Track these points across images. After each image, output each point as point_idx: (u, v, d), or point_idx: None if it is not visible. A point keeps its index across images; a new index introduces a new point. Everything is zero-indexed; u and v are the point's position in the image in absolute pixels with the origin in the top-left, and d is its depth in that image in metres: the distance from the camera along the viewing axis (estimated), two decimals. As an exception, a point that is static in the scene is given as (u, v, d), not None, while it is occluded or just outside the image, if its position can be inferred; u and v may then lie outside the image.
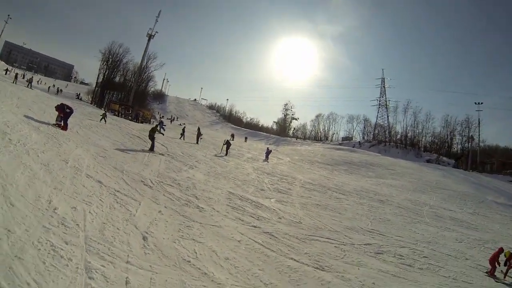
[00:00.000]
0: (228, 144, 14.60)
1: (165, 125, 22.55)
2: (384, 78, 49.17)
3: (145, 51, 38.16)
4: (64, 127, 9.28)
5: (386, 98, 48.85)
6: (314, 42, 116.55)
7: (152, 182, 6.53)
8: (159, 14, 38.50)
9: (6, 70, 31.88)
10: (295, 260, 4.12)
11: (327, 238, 5.27)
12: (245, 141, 29.04)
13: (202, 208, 5.68)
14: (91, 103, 34.51)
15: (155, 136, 10.04)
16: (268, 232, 4.95)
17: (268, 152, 16.48)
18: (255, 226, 5.18)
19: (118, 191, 5.29)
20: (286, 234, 4.96)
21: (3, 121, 6.37)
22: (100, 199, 4.64)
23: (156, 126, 10.53)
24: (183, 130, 17.85)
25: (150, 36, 37.73)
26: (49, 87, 33.62)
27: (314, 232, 5.39)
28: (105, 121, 14.67)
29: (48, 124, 8.89)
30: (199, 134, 16.98)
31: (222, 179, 8.68)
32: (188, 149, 13.19)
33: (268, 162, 14.26)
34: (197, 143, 16.08)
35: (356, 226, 6.21)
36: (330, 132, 54.65)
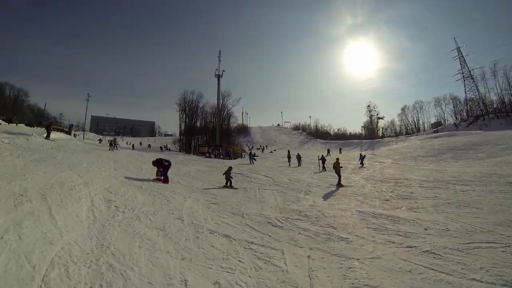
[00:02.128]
0: (323, 159, 23.35)
1: (257, 156, 37.39)
2: (459, 48, 67.56)
3: (218, 91, 63.10)
4: (166, 180, 13.20)
5: (468, 68, 65.97)
6: (370, 37, 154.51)
7: (279, 221, 8.82)
8: (219, 54, 64.64)
9: (100, 140, 54.92)
10: (478, 280, 5.15)
11: (485, 242, 6.69)
12: (340, 152, 45.09)
13: (346, 238, 7.37)
14: (179, 151, 56.90)
15: (231, 176, 15.22)
16: (427, 251, 6.38)
17: (362, 158, 24.79)
18: (410, 247, 6.67)
19: (252, 243, 6.95)
20: (445, 248, 6.49)
21: (105, 187, 10.15)
22: (239, 260, 5.98)
23: (229, 169, 15.45)
24: (288, 156, 29.38)
25: (218, 77, 62.35)
26: (133, 144, 57.45)
27: (469, 237, 7.03)
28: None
29: (149, 180, 13.27)
30: (299, 157, 27.63)
31: (342, 197, 12.16)
32: (292, 174, 19.81)
33: (364, 167, 21.40)
34: (299, 165, 26.17)
35: (504, 220, 8.00)
36: (420, 122, 75.25)
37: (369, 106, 77.35)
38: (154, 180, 13.52)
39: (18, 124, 41.25)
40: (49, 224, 5.96)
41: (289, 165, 27.32)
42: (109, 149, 28.92)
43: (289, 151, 32.43)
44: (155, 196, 10.33)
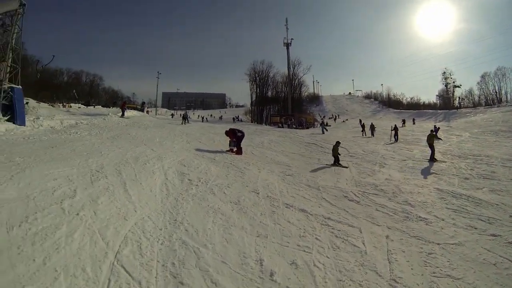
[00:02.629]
0: (396, 129, 23.60)
1: (329, 125, 39.60)
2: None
3: (288, 60, 63.34)
4: (239, 152, 13.73)
5: None
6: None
7: (356, 195, 8.85)
8: (286, 22, 64.55)
9: (172, 114, 61.30)
10: None
11: None
12: (413, 123, 44.32)
13: (425, 218, 7.29)
14: (251, 122, 60.86)
15: (338, 153, 14.27)
16: (513, 242, 6.37)
17: (436, 130, 26.08)
18: (494, 235, 6.42)
19: (328, 218, 6.92)
20: (537, 240, 6.41)
21: (178, 160, 10.85)
22: (316, 238, 5.94)
23: (337, 144, 14.55)
24: (362, 125, 29.58)
25: (287, 45, 62.68)
26: (202, 117, 58.75)
27: None
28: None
29: (222, 152, 13.89)
30: (373, 127, 28.08)
31: (419, 173, 12.06)
32: (366, 145, 19.99)
33: (439, 140, 18.76)
34: (372, 135, 26.61)
35: None
36: (503, 92, 68.70)
37: (444, 73, 72.69)
38: (227, 151, 13.95)
39: (96, 106, 43.93)
40: (124, 199, 6.31)
41: (363, 135, 27.14)
42: (182, 123, 30.22)
43: (360, 121, 36.12)
44: (228, 168, 10.56)
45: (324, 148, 17.48)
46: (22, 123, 15.31)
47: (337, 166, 13.19)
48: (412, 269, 5.09)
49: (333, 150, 14.07)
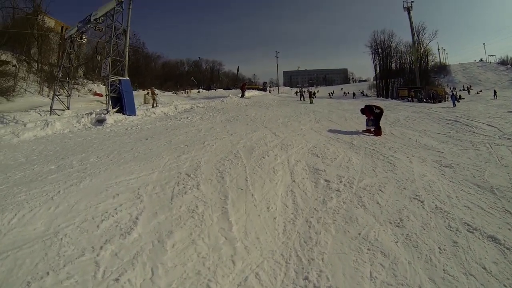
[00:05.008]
0: None
1: (462, 98, 37.72)
2: None
3: (411, 26, 52.72)
4: (378, 132, 11.86)
5: None
6: None
7: None
8: None
9: (296, 92, 57.36)
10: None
11: None
12: None
13: None
14: (377, 96, 54.18)
15: None
16: None
17: None
18: None
19: None
20: None
21: (308, 148, 8.32)
22: None
23: None
24: None
25: (408, 9, 51.28)
26: (329, 93, 61.14)
27: None
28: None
29: (358, 132, 11.73)
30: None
31: None
32: None
33: None
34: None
35: None
36: None
37: None
38: (364, 132, 11.82)
39: (217, 90, 45.24)
40: (216, 234, 3.74)
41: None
42: (299, 100, 28.50)
43: (495, 92, 34.51)
44: (373, 157, 7.89)
45: (471, 126, 13.81)
46: (132, 113, 14.93)
47: None
48: None
49: None
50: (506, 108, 22.47)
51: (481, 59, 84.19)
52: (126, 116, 14.42)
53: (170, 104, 19.89)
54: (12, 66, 26.89)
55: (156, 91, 24.01)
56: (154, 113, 15.71)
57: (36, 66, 29.89)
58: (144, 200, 4.50)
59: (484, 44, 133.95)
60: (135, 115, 14.98)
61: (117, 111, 14.87)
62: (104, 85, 17.82)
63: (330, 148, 8.42)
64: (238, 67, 63.11)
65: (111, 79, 15.59)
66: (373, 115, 12.00)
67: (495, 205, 5.37)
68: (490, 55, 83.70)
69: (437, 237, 4.07)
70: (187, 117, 13.80)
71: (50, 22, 34.34)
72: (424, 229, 4.28)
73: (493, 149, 9.84)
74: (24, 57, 30.48)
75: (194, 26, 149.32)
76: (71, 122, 12.87)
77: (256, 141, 8.51)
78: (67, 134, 11.00)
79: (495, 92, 37.12)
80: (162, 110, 16.61)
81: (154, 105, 20.32)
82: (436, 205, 5.12)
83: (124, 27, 17.18)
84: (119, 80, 15.69)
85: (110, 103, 15.34)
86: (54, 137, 10.74)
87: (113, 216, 4.02)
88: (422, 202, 5.22)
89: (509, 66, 75.50)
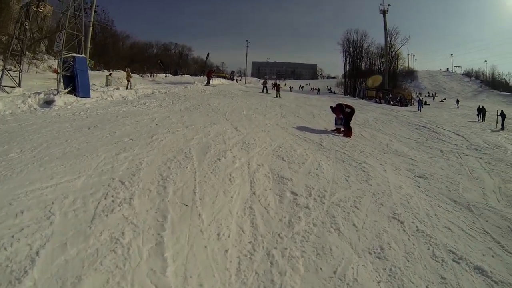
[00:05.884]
0: (503, 116, 21.25)
1: (428, 104, 37.47)
2: None
3: (385, 29, 53.41)
4: (348, 133, 11.37)
5: None
6: None
7: None
8: None
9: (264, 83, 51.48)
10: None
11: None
12: None
13: None
14: (344, 94, 54.45)
15: None
16: None
17: None
18: None
19: None
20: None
21: (273, 148, 7.45)
22: None
23: None
24: (480, 110, 25.31)
25: (383, 12, 51.84)
26: (290, 87, 57.19)
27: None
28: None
29: (327, 132, 11.13)
30: (503, 115, 22.89)
31: None
32: (486, 135, 16.37)
33: None
34: (484, 121, 23.46)
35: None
36: None
37: None
38: (333, 131, 11.26)
39: (183, 75, 43.04)
40: (145, 279, 2.53)
41: (479, 120, 23.23)
42: (262, 91, 27.43)
43: (458, 101, 37.39)
44: (344, 163, 7.11)
45: (439, 134, 14.31)
46: (86, 95, 13.09)
47: None
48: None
49: None
50: (469, 117, 24.00)
51: (448, 69, 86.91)
52: (78, 98, 12.63)
53: (131, 87, 18.30)
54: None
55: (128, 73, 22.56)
56: (112, 97, 14.02)
57: (-6, 37, 26.48)
58: (55, 222, 3.22)
59: (451, 55, 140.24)
60: (89, 97, 13.19)
61: (69, 92, 13.00)
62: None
63: (298, 149, 7.62)
64: (208, 53, 60.47)
65: (64, 55, 13.55)
66: (343, 114, 11.56)
67: (474, 225, 5.09)
68: (456, 66, 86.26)
69: (423, 272, 3.45)
70: (145, 103, 12.42)
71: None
72: (408, 260, 3.62)
73: (463, 159, 9.83)
74: (-21, 26, 27.08)
75: (166, 7, 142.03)
76: (15, 102, 10.90)
77: (214, 137, 7.42)
78: (5, 117, 9.15)
79: (457, 101, 38.82)
80: (121, 93, 14.92)
81: (129, 87, 19.30)
82: (417, 226, 4.55)
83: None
84: (74, 57, 13.65)
85: (62, 82, 13.40)
86: (-15, 120, 9.19)
87: (5, 249, 2.70)
88: (402, 222, 4.60)
89: (473, 78, 78.80)
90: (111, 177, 4.51)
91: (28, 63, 27.07)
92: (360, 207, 4.73)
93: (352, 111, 11.67)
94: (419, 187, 6.57)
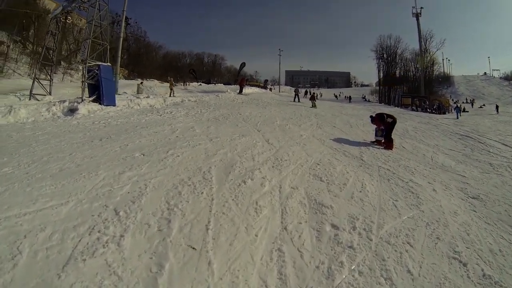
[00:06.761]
0: None
1: (467, 111, 36.11)
2: None
3: (419, 32, 52.82)
4: (390, 145, 10.38)
5: None
6: None
7: None
8: None
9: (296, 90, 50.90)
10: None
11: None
12: None
13: None
14: (379, 102, 53.15)
15: None
16: None
17: None
18: None
19: None
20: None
21: (309, 165, 6.38)
22: None
23: None
24: None
25: (417, 15, 51.75)
26: (335, 94, 60.87)
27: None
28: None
29: (366, 144, 10.34)
30: None
31: None
32: None
33: None
34: None
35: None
36: None
37: None
38: (373, 142, 10.37)
39: (216, 84, 42.96)
40: None
41: None
42: (294, 100, 26.10)
43: (497, 107, 35.03)
44: (390, 182, 6.05)
45: (484, 144, 12.83)
46: (111, 103, 12.91)
47: None
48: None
49: None
50: None
51: (485, 73, 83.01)
52: (103, 106, 12.46)
53: (162, 95, 18.17)
54: (6, 46, 25.18)
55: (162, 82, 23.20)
56: (139, 105, 13.76)
57: (31, 47, 28.03)
58: (19, 265, 2.45)
59: (489, 57, 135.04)
60: (114, 105, 13.01)
61: (94, 100, 12.87)
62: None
63: (337, 165, 6.63)
64: (244, 63, 59.53)
65: (89, 64, 13.53)
66: (384, 125, 10.50)
67: None
68: (494, 69, 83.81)
69: None
70: (171, 112, 11.85)
71: (49, 4, 32.30)
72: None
73: None
74: (19, 38, 28.84)
75: (198, 20, 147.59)
76: (39, 110, 10.85)
77: (241, 151, 6.50)
78: (25, 125, 8.94)
79: (497, 106, 36.52)
80: (149, 102, 14.63)
81: (172, 95, 20.19)
82: (482, 270, 3.60)
83: (108, 6, 14.87)
84: (98, 65, 13.55)
85: (87, 90, 13.35)
86: (6, 128, 8.62)
87: None
88: (465, 265, 3.65)
89: None
90: (104, 204, 3.67)
91: (63, 73, 28.07)
92: (414, 244, 3.76)
93: (394, 121, 10.61)
94: (475, 211, 5.57)
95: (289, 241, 3.33)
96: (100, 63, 13.79)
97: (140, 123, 9.36)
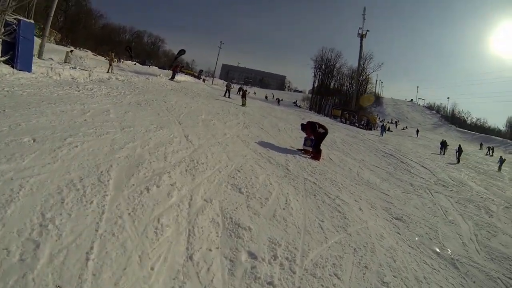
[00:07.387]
0: (460, 151, 22.38)
1: (391, 131, 39.46)
2: None
3: (360, 52, 56.47)
4: (317, 156, 10.12)
5: None
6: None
7: None
8: (364, 11, 57.39)
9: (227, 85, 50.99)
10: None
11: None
12: (480, 148, 39.17)
13: None
14: (310, 110, 54.89)
15: None
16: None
17: (502, 162, 22.59)
18: None
19: None
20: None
21: (228, 172, 5.76)
22: None
23: None
24: (444, 144, 26.25)
25: (361, 36, 55.08)
26: (266, 95, 60.92)
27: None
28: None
29: (293, 151, 9.85)
30: (460, 150, 23.73)
31: None
32: (449, 170, 16.65)
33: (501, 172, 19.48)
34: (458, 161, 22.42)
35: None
36: None
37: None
38: (300, 150, 10.01)
39: (151, 66, 41.72)
40: None
41: (441, 153, 24.59)
42: (224, 95, 25.33)
43: (418, 131, 40.31)
44: (316, 198, 5.74)
45: (406, 164, 14.52)
46: (25, 68, 10.60)
47: None
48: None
49: None
50: (430, 149, 25.21)
51: (412, 100, 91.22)
52: (15, 70, 10.12)
53: (88, 68, 15.86)
54: None
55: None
56: (59, 75, 11.54)
57: None
58: None
59: (417, 87, 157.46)
60: (29, 71, 10.71)
61: (6, 62, 10.43)
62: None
63: (260, 174, 6.03)
64: (183, 50, 55.14)
65: (7, 17, 10.99)
66: (314, 135, 10.22)
67: (463, 288, 4.97)
68: (420, 98, 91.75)
69: None
70: (91, 89, 10.22)
71: None
72: None
73: (434, 197, 9.57)
74: None
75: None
76: None
77: (153, 147, 5.53)
78: None
79: (417, 131, 40.95)
80: (72, 74, 12.47)
81: (110, 70, 19.09)
82: None
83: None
84: (19, 20, 11.01)
85: (0, 48, 10.96)
86: None
87: None
88: None
89: (434, 111, 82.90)
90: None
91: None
92: (342, 275, 3.42)
93: (326, 132, 10.48)
94: (399, 233, 5.82)
95: (194, 276, 2.60)
96: (22, 18, 11.22)
97: (50, 98, 7.68)
